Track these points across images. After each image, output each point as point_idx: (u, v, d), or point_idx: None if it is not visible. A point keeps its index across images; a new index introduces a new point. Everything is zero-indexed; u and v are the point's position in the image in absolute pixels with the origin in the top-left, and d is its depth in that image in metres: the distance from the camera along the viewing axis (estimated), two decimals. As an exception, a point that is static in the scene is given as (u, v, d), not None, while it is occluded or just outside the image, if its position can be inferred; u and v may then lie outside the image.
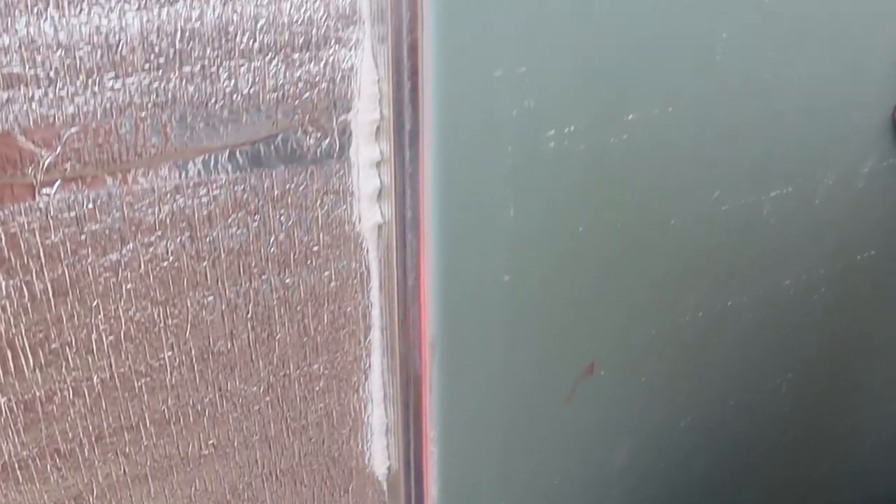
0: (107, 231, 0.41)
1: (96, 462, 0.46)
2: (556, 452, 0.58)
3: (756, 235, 0.59)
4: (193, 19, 0.40)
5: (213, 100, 0.41)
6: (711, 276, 0.59)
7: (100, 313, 0.43)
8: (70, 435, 0.44)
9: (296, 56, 0.43)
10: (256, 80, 0.42)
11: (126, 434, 0.46)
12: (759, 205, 0.59)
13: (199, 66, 0.41)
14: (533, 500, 0.58)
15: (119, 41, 0.38)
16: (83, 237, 0.41)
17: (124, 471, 0.47)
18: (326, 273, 0.48)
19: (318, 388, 0.50)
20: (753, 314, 0.62)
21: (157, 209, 0.42)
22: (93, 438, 0.45)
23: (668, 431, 0.63)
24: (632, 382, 0.59)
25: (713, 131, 0.54)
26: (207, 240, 0.44)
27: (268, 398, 0.49)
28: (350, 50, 0.44)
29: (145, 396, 0.45)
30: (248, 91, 0.42)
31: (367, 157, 0.46)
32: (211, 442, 0.48)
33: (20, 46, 0.36)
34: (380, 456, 0.54)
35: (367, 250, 0.48)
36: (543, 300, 0.52)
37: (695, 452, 0.65)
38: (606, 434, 0.59)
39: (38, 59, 0.37)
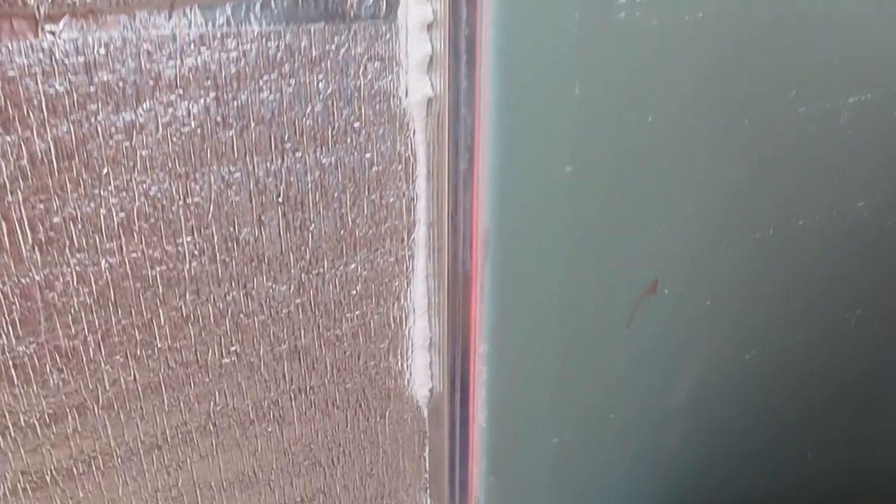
0: (120, 83, 0.36)
1: (102, 364, 0.40)
2: (614, 382, 0.52)
3: (831, 146, 0.54)
4: None
5: (245, -67, 0.36)
6: (784, 189, 0.53)
7: (110, 184, 0.37)
8: (73, 330, 0.38)
9: None
10: (295, -87, 0.36)
11: (137, 333, 0.40)
12: (836, 111, 0.53)
13: None
14: (587, 435, 0.52)
15: None
16: (93, 89, 0.35)
17: (134, 377, 0.41)
18: (368, 155, 0.42)
19: (354, 293, 0.44)
20: (824, 237, 0.57)
21: (178, 62, 0.36)
22: (99, 336, 0.39)
23: (731, 366, 0.57)
24: (696, 305, 0.53)
25: (791, 20, 0.48)
26: (235, 104, 0.38)
27: (298, 300, 0.43)
28: None
29: (160, 289, 0.39)
30: (286, -74, 0.36)
31: (418, 18, 0.40)
32: (233, 349, 0.42)
33: None
34: (421, 376, 0.48)
35: (415, 131, 0.42)
36: (607, 198, 0.46)
37: (759, 391, 0.60)
38: (667, 365, 0.54)
39: None
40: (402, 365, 0.48)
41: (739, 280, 0.54)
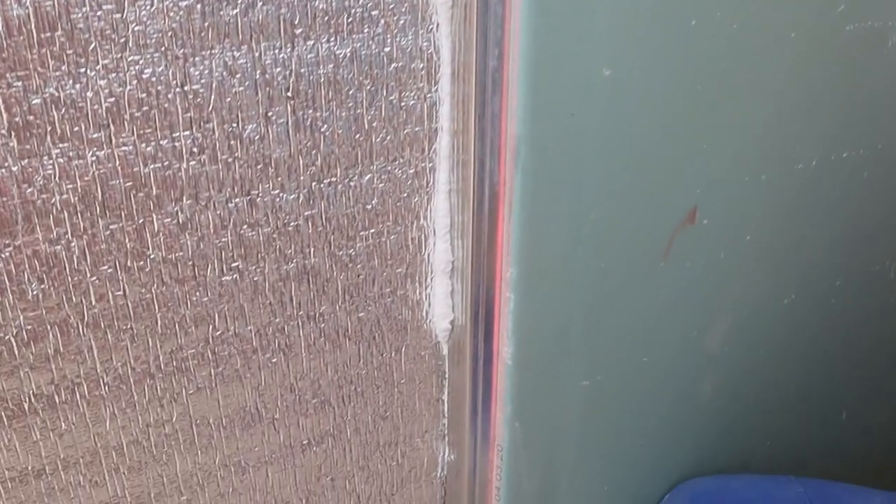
0: (110, -57, 0.31)
1: (88, 275, 0.35)
2: (648, 321, 0.47)
3: (878, 71, 0.50)
4: None
5: None
6: (830, 112, 0.49)
7: (97, 62, 0.32)
8: (54, 233, 0.34)
9: None
10: None
11: (127, 241, 0.35)
12: (885, 32, 0.49)
13: None
14: (619, 380, 0.48)
15: None
16: (78, -51, 0.31)
17: (124, 292, 0.36)
18: (387, 49, 0.38)
19: (369, 208, 0.40)
20: (869, 173, 0.53)
21: (176, -77, 0.32)
22: (84, 242, 0.35)
23: (769, 311, 0.53)
24: (735, 240, 0.49)
25: (841, -73, 0.45)
26: (240, -22, 0.34)
27: (308, 213, 0.39)
28: None
29: (153, 190, 0.35)
30: None
31: None
32: (235, 265, 0.38)
33: None
34: (441, 306, 0.44)
35: (438, 24, 0.38)
36: (647, 108, 0.42)
37: (796, 341, 0.55)
38: (704, 305, 0.49)
39: None
40: (420, 293, 0.43)
41: (780, 214, 0.50)
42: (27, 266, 0.34)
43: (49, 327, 0.35)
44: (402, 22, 0.37)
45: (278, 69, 0.36)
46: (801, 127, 0.49)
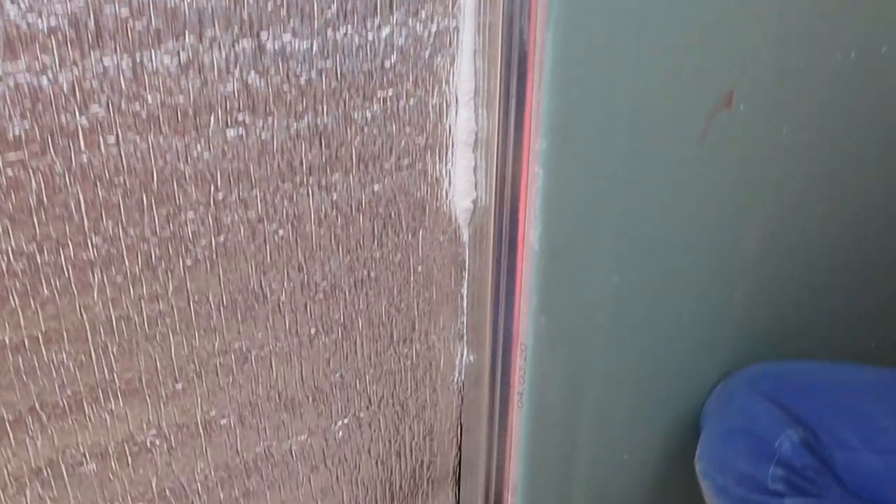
0: None
1: (76, 115, 0.31)
2: (682, 213, 0.44)
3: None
4: None
5: None
6: (868, 5, 0.46)
7: None
8: (39, 62, 0.30)
9: None
10: None
11: (122, 79, 0.31)
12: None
13: None
14: (652, 277, 0.44)
15: None
16: None
17: (117, 140, 0.32)
18: None
19: (387, 66, 0.37)
20: (907, 74, 0.50)
21: None
22: (73, 75, 0.31)
23: (802, 216, 0.50)
24: (772, 132, 0.46)
25: None
26: None
27: (321, 65, 0.35)
28: None
29: (152, 21, 0.31)
30: None
31: None
32: (241, 118, 0.34)
33: None
34: (463, 182, 0.40)
35: None
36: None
37: (828, 252, 0.52)
38: (737, 202, 0.46)
39: None
40: (440, 168, 0.40)
41: (816, 109, 0.47)
42: (8, 100, 0.30)
43: (31, 174, 0.31)
44: None
45: None
46: (840, 13, 0.46)
